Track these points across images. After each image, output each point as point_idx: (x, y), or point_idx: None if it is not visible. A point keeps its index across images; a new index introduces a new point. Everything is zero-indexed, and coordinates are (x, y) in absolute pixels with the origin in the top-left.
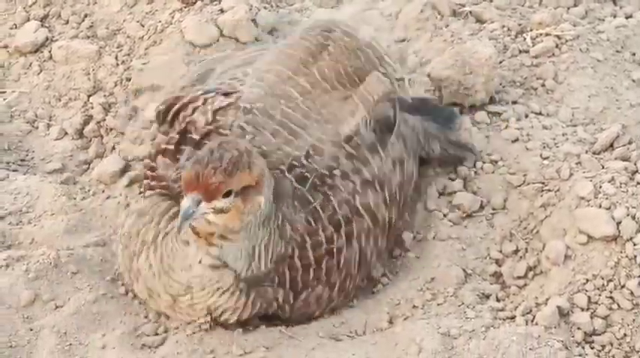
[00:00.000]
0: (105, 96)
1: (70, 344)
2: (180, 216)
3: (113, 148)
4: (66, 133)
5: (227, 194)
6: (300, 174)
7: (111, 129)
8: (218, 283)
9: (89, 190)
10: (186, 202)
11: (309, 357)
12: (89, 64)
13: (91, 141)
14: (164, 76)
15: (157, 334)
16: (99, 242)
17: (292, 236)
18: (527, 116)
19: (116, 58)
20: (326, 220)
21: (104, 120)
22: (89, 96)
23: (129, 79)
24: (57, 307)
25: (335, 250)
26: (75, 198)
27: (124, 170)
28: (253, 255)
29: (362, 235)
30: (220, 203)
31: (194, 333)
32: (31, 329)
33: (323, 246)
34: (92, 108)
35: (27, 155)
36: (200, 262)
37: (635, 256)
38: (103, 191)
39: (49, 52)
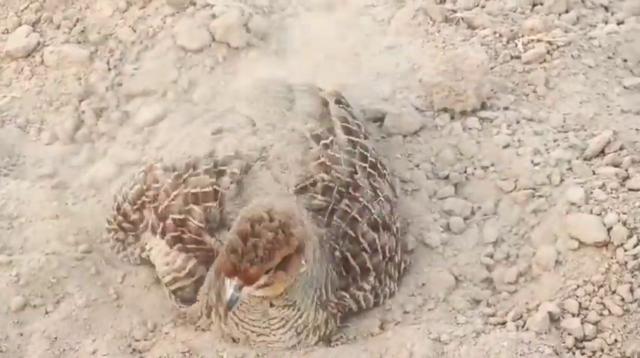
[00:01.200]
0: (96, 101)
1: (61, 350)
2: (225, 303)
3: (104, 153)
4: (57, 138)
5: (268, 270)
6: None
7: (102, 134)
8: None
9: (80, 195)
10: (229, 289)
11: None
12: (81, 68)
13: (82, 146)
14: (156, 81)
15: (146, 339)
16: (90, 247)
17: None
18: (518, 122)
19: (108, 62)
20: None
21: (96, 125)
22: (80, 101)
23: (120, 84)
24: (47, 312)
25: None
26: (66, 203)
27: (116, 175)
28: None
29: None
30: (262, 280)
31: (183, 342)
32: (22, 334)
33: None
34: (83, 113)
35: (18, 160)
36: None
37: (626, 262)
38: (94, 196)
39: (41, 56)
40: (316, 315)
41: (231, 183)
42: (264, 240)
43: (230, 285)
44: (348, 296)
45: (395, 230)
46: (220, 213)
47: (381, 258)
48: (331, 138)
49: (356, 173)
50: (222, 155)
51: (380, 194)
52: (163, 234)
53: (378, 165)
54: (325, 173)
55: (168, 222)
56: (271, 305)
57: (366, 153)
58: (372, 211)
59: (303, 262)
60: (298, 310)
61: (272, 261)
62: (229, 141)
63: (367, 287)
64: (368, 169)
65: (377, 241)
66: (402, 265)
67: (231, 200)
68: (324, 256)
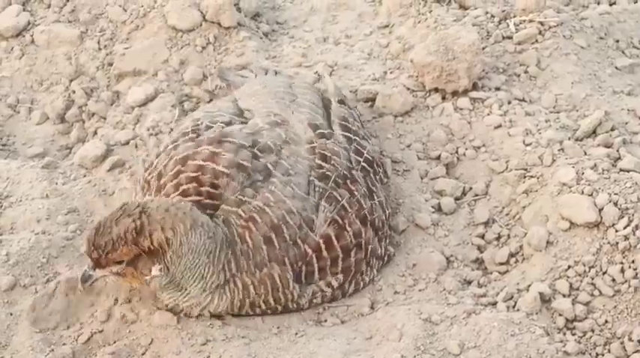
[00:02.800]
0: (87, 80)
1: (50, 328)
2: (79, 278)
3: (95, 133)
4: (47, 118)
5: (120, 262)
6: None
7: (93, 114)
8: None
9: (70, 175)
10: (85, 266)
11: (292, 342)
12: (71, 48)
13: (72, 125)
14: (146, 61)
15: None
16: (80, 227)
17: None
18: (510, 102)
19: (98, 42)
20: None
21: (86, 104)
22: (71, 80)
23: (111, 64)
24: (37, 292)
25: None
26: (56, 183)
27: (106, 155)
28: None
29: None
30: (114, 269)
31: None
32: (11, 314)
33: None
34: (74, 92)
35: (8, 139)
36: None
37: (617, 243)
38: (85, 176)
39: (31, 36)
40: (212, 298)
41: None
42: (115, 232)
43: (88, 262)
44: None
45: (382, 234)
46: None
47: (362, 255)
48: (331, 131)
49: (353, 168)
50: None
51: (375, 197)
52: None
53: (375, 166)
54: (324, 161)
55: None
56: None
57: (363, 150)
58: (364, 206)
59: (156, 267)
60: (185, 291)
61: (114, 253)
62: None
63: (335, 283)
64: (365, 166)
65: (362, 235)
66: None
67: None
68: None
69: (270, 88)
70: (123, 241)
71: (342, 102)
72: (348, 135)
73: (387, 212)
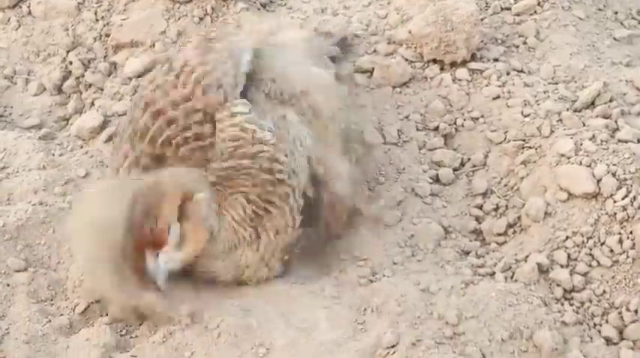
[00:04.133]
0: (84, 52)
1: (47, 299)
2: (156, 278)
3: (92, 104)
4: (44, 89)
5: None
6: None
7: (90, 85)
8: None
9: (67, 146)
10: (148, 263)
11: (285, 311)
12: (68, 19)
13: (69, 97)
14: (144, 32)
15: None
16: (77, 198)
17: None
18: (508, 73)
19: (95, 13)
20: None
21: (83, 76)
22: (68, 51)
23: (108, 35)
24: (34, 262)
25: None
26: (53, 154)
27: (103, 126)
28: None
29: None
30: (172, 239)
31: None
32: (8, 285)
33: None
34: (71, 63)
35: (5, 111)
36: None
37: (615, 213)
38: (82, 147)
39: (28, 7)
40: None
41: None
42: (141, 207)
43: (147, 259)
44: None
45: None
46: None
47: None
48: None
49: None
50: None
51: None
52: None
53: None
54: None
55: None
56: None
57: None
58: None
59: (200, 196)
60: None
61: (161, 212)
62: None
63: None
64: None
65: None
66: None
67: None
68: None
69: None
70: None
71: None
72: None
73: None
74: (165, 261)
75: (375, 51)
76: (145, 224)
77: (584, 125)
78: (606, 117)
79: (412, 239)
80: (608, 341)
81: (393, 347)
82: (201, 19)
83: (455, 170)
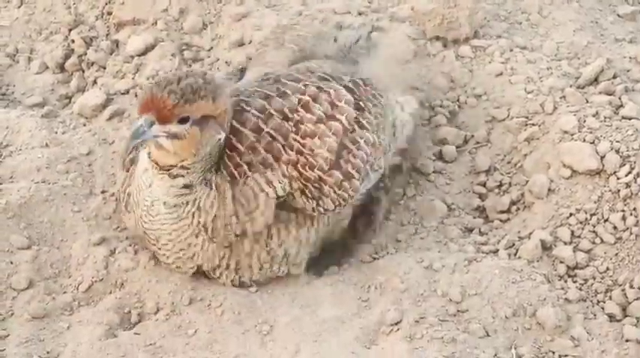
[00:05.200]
0: (86, 30)
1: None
2: (129, 135)
3: (94, 82)
4: (47, 67)
5: (184, 121)
6: None
7: (92, 63)
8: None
9: (70, 124)
10: (138, 121)
11: (289, 289)
12: None
13: (72, 75)
14: (146, 10)
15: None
16: (79, 176)
17: None
18: (511, 50)
19: None
20: None
21: (85, 54)
22: (70, 30)
23: (110, 13)
24: (37, 240)
25: None
26: (56, 132)
27: (105, 104)
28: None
29: None
30: (175, 128)
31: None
32: (12, 263)
33: None
34: (73, 42)
35: (8, 89)
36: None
37: (619, 190)
38: (84, 125)
39: None
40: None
41: None
42: (193, 80)
43: (141, 118)
44: None
45: None
46: None
47: None
48: None
49: None
50: None
51: None
52: None
53: None
54: None
55: None
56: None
57: None
58: None
59: (221, 132)
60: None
61: (191, 105)
62: None
63: None
64: None
65: None
66: None
67: None
68: None
69: None
70: (203, 93)
71: None
72: None
73: None
74: (155, 131)
75: (378, 28)
76: (177, 82)
77: (587, 102)
78: (610, 93)
79: (415, 216)
80: (612, 317)
81: (396, 324)
82: None
83: (458, 147)
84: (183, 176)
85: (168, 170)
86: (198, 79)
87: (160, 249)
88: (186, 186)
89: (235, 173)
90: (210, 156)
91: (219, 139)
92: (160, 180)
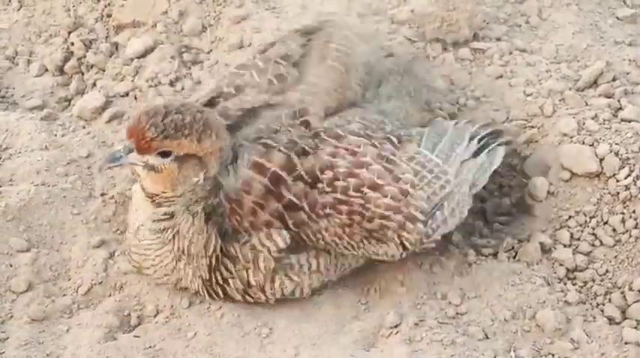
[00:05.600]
0: (85, 32)
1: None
2: (105, 156)
3: (94, 85)
4: (46, 70)
5: (165, 154)
6: None
7: (92, 66)
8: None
9: (70, 126)
10: (117, 146)
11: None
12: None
13: (71, 77)
14: (145, 12)
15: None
16: (79, 178)
17: None
18: (511, 53)
19: None
20: None
21: (85, 56)
22: (70, 32)
23: (110, 15)
24: (37, 242)
25: None
26: (55, 135)
27: (105, 106)
28: None
29: None
30: (153, 159)
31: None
32: (11, 265)
33: None
34: (73, 44)
35: (7, 91)
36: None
37: (618, 193)
38: (84, 127)
39: None
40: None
41: None
42: (180, 120)
43: (122, 143)
44: None
45: None
46: None
47: None
48: None
49: None
50: None
51: None
52: None
53: None
54: None
55: None
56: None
57: None
58: None
59: (200, 174)
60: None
61: (174, 142)
62: None
63: None
64: None
65: None
66: None
67: None
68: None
69: None
70: (187, 132)
71: None
72: None
73: None
74: (132, 159)
75: (377, 30)
76: (165, 114)
77: (586, 104)
78: (609, 96)
79: None
80: (611, 320)
81: (396, 326)
82: None
83: None
84: (167, 206)
85: (152, 197)
86: (187, 115)
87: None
88: (166, 214)
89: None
90: (194, 193)
91: (197, 181)
92: (144, 204)
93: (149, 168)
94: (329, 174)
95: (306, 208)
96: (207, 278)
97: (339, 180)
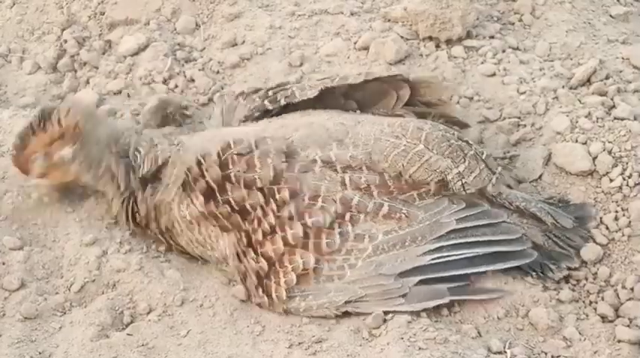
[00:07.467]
0: (78, 30)
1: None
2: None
3: (87, 82)
4: (39, 67)
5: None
6: None
7: (85, 64)
8: None
9: None
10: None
11: None
12: None
13: (64, 75)
14: (138, 10)
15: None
16: None
17: None
18: (504, 51)
19: None
20: None
21: (78, 54)
22: (63, 30)
23: (103, 13)
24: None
25: None
26: None
27: (98, 104)
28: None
29: None
30: (34, 169)
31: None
32: (4, 263)
33: None
34: (66, 42)
35: (0, 89)
36: None
37: (611, 191)
38: None
39: None
40: None
41: None
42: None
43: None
44: None
45: None
46: None
47: None
48: None
49: None
50: None
51: None
52: None
53: None
54: None
55: None
56: None
57: None
58: None
59: (67, 151)
60: None
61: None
62: None
63: None
64: None
65: None
66: None
67: None
68: None
69: None
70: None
71: None
72: None
73: None
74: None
75: (370, 28)
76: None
77: (579, 102)
78: (602, 94)
79: None
80: (604, 318)
81: (390, 324)
82: None
83: None
84: None
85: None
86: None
87: None
88: None
89: None
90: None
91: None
92: None
93: (40, 176)
94: None
95: None
96: None
97: None
